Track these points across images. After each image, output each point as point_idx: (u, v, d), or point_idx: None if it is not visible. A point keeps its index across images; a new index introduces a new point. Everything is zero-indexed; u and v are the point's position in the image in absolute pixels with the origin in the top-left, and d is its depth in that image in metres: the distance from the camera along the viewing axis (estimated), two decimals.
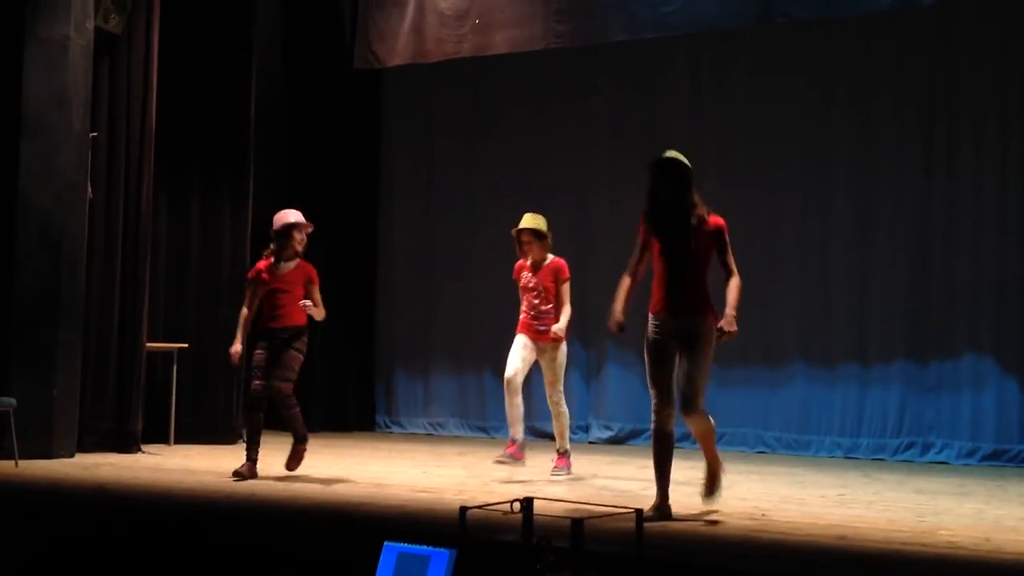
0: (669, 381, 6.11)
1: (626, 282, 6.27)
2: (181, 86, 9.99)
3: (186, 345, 9.80)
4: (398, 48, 10.44)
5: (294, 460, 7.71)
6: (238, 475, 7.53)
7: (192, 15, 10.03)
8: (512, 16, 9.82)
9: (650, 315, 6.20)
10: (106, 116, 9.28)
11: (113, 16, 9.17)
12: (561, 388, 8.00)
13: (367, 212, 11.77)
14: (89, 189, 8.95)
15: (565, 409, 8.02)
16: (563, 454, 8.00)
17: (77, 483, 7.38)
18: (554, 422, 8.06)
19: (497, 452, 8.11)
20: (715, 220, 6.16)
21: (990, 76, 9.42)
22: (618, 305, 6.23)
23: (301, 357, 7.67)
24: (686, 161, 6.23)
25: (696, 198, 6.15)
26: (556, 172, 10.91)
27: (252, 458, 7.63)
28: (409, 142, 11.74)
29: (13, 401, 8.13)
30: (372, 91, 11.68)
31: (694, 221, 6.09)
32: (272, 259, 7.72)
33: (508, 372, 7.82)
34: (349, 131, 11.55)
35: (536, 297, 7.89)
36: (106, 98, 9.28)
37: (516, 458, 7.81)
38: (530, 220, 7.92)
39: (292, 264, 7.70)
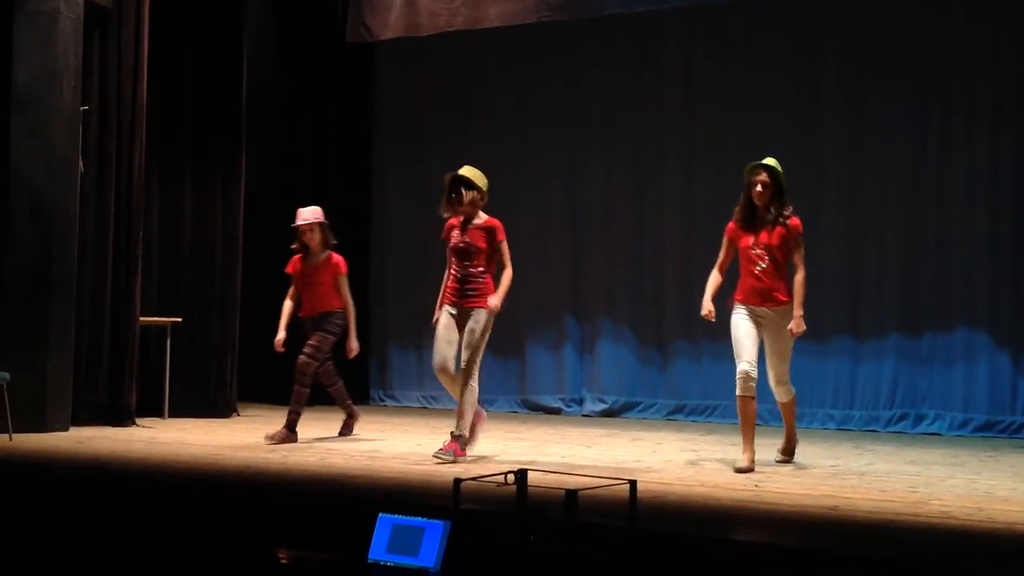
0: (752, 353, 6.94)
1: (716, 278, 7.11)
2: (172, 60, 9.94)
3: (179, 319, 9.80)
4: (391, 21, 10.40)
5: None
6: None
7: None
8: None
9: (736, 303, 7.00)
10: (97, 90, 9.24)
11: None
12: (478, 359, 7.24)
13: (360, 186, 11.75)
14: (81, 163, 8.93)
15: (475, 385, 7.27)
16: (457, 439, 7.21)
17: (71, 457, 7.39)
18: (459, 397, 7.25)
19: (491, 425, 8.12)
20: (795, 223, 6.94)
21: (982, 58, 9.40)
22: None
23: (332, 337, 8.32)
24: (780, 168, 7.06)
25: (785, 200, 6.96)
26: (549, 147, 10.90)
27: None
28: (402, 117, 11.71)
29: (7, 375, 8.13)
30: (365, 65, 11.64)
31: (780, 223, 6.92)
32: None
33: (436, 362, 7.26)
34: (342, 105, 11.51)
35: (466, 259, 7.20)
36: (97, 72, 9.25)
37: (457, 454, 7.14)
38: (466, 170, 7.31)
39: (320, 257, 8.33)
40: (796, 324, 6.85)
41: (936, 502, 5.87)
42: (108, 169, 9.25)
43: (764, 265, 6.91)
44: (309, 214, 8.38)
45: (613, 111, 10.71)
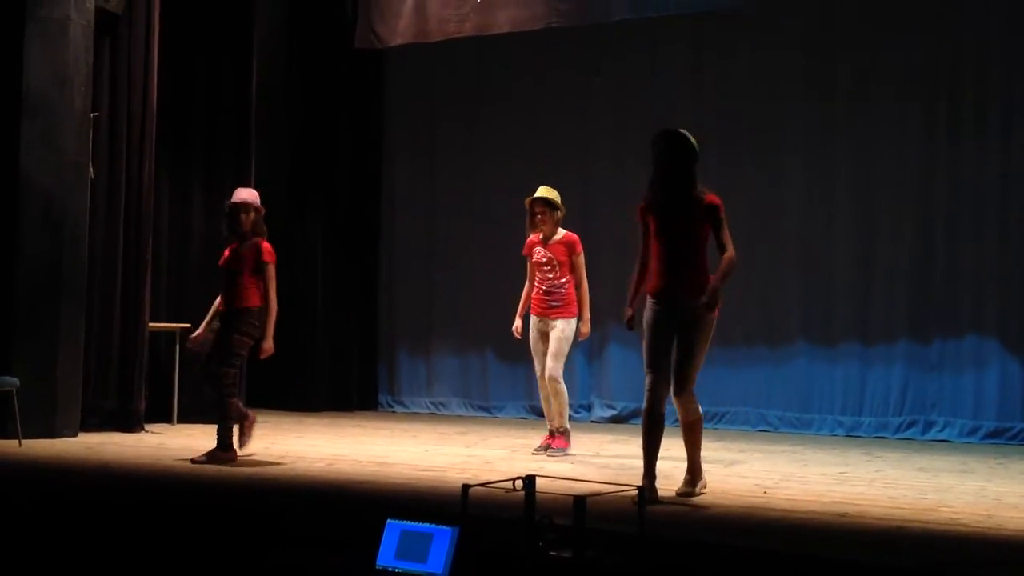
0: (666, 361, 6.05)
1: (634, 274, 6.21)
2: (183, 66, 9.97)
3: (188, 325, 9.79)
4: (400, 28, 10.41)
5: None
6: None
7: None
8: None
9: (648, 296, 6.11)
10: (107, 96, 9.26)
11: None
12: (562, 364, 7.89)
13: (370, 192, 11.75)
14: (91, 169, 8.95)
15: (563, 387, 7.89)
16: (561, 433, 7.90)
17: (80, 462, 7.40)
18: (552, 400, 7.88)
19: (500, 431, 8.14)
20: (711, 198, 6.09)
21: (994, 56, 9.39)
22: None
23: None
24: (692, 138, 6.22)
25: (696, 178, 6.11)
26: (558, 152, 10.88)
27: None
28: (411, 123, 11.71)
29: (16, 381, 8.14)
30: (375, 71, 11.65)
31: (691, 200, 6.05)
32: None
33: (538, 371, 7.94)
34: (351, 112, 11.52)
35: (550, 272, 7.89)
36: (107, 78, 9.27)
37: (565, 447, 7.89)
38: (544, 191, 7.93)
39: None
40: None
41: (945, 509, 5.86)
42: (118, 175, 9.27)
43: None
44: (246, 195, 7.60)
45: (622, 115, 10.70)
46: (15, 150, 8.69)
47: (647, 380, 6.04)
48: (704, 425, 10.02)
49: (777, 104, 10.07)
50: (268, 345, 7.41)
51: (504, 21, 9.90)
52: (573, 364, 10.83)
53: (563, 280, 7.89)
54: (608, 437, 9.27)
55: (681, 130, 6.22)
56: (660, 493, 5.98)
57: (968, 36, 9.48)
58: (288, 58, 11.52)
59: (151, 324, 9.44)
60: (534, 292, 7.98)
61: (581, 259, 7.94)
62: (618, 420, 10.50)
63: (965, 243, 9.43)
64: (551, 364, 7.82)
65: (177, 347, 9.66)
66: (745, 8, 9.73)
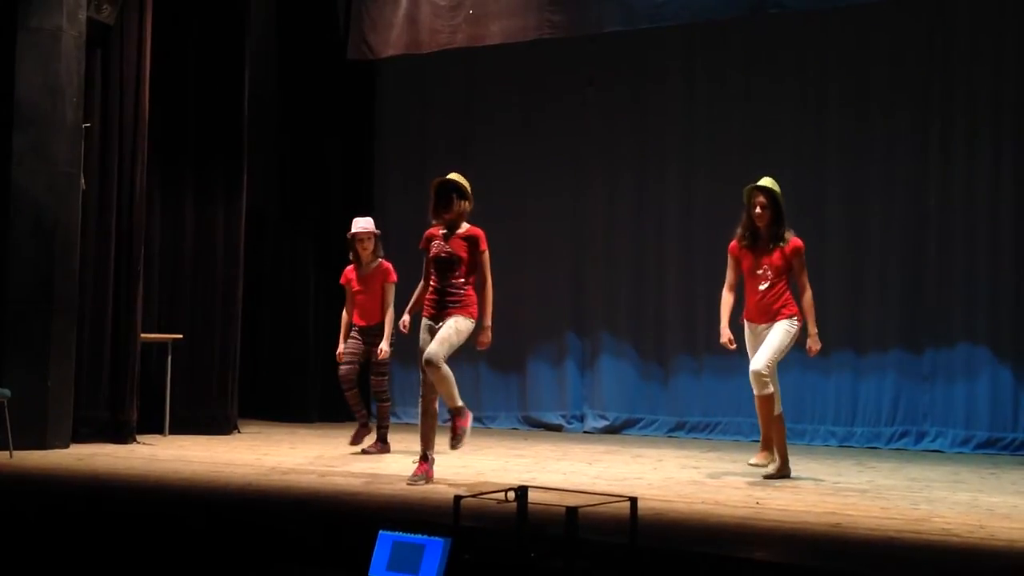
0: None
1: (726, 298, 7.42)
2: (174, 77, 9.96)
3: (180, 336, 9.79)
4: (392, 39, 10.42)
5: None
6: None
7: (185, 6, 10.00)
8: (506, 6, 9.79)
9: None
10: (99, 107, 9.25)
11: (106, 6, 9.15)
12: (446, 352, 6.76)
13: (362, 202, 11.73)
14: (82, 179, 8.94)
15: (446, 368, 6.74)
16: (459, 411, 6.86)
17: (72, 474, 7.37)
18: (438, 387, 6.80)
19: (492, 441, 8.12)
20: (795, 242, 7.21)
21: (985, 66, 9.43)
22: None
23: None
24: (778, 189, 7.27)
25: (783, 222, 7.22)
26: (550, 162, 10.90)
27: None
28: (403, 133, 11.72)
29: (7, 392, 8.11)
30: (367, 81, 11.65)
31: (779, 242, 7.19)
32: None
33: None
34: (343, 123, 11.52)
35: (448, 269, 6.93)
36: (99, 89, 9.26)
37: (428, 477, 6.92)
38: (457, 176, 7.13)
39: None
40: (813, 342, 7.27)
41: (938, 519, 5.86)
42: (110, 185, 9.26)
43: (767, 285, 7.24)
44: (366, 223, 8.77)
45: (614, 127, 10.72)
46: (6, 161, 8.68)
47: (751, 370, 7.24)
48: (697, 436, 10.23)
49: (768, 116, 10.09)
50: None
51: (496, 32, 9.91)
52: (565, 374, 10.85)
53: (461, 280, 6.91)
54: (601, 448, 9.27)
55: (769, 181, 7.36)
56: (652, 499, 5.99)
57: (959, 50, 9.51)
58: (280, 69, 11.51)
59: (143, 335, 9.41)
60: (428, 292, 7.00)
61: (486, 256, 6.96)
62: (611, 431, 10.50)
63: (956, 254, 9.45)
64: (433, 347, 6.71)
65: (169, 357, 9.65)
66: (737, 21, 9.74)
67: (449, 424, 6.91)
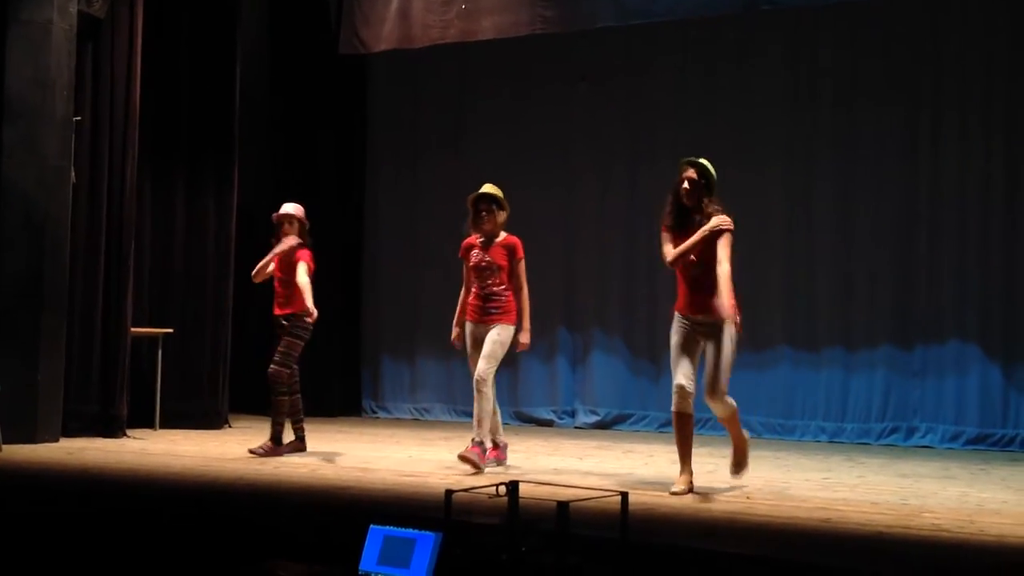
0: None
1: None
2: (165, 71, 9.94)
3: (171, 330, 9.78)
4: (383, 33, 10.40)
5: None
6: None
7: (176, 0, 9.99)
8: (498, 1, 9.77)
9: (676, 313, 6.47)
10: (90, 100, 9.23)
11: (96, 0, 9.12)
12: (494, 368, 7.28)
13: (352, 198, 11.75)
14: (72, 173, 8.92)
15: (490, 392, 7.26)
16: (477, 444, 7.27)
17: (62, 468, 7.36)
18: (474, 403, 7.29)
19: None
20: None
21: (976, 62, 9.44)
22: None
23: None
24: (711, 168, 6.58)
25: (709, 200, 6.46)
26: (541, 157, 10.90)
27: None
28: (395, 128, 11.71)
29: None
30: (358, 76, 11.64)
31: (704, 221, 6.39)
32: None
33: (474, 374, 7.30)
34: (335, 116, 11.51)
35: (488, 277, 7.35)
36: (90, 82, 9.24)
37: (480, 460, 7.23)
38: (492, 188, 7.40)
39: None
40: (724, 312, 6.12)
41: (928, 515, 5.87)
42: (100, 179, 9.24)
43: (698, 270, 6.34)
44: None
45: (606, 122, 10.72)
46: None
47: (674, 384, 6.43)
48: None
49: (760, 112, 10.10)
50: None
51: (489, 27, 9.89)
52: (557, 370, 10.85)
53: (502, 287, 7.35)
54: (592, 443, 9.27)
55: (703, 160, 6.60)
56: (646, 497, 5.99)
57: (950, 44, 9.53)
58: (272, 64, 11.50)
59: (133, 329, 9.40)
60: (470, 298, 7.42)
61: (522, 264, 7.41)
62: (602, 426, 10.51)
63: (947, 250, 9.47)
64: (482, 365, 7.23)
65: (159, 352, 9.63)
66: (729, 16, 9.74)
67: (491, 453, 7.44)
